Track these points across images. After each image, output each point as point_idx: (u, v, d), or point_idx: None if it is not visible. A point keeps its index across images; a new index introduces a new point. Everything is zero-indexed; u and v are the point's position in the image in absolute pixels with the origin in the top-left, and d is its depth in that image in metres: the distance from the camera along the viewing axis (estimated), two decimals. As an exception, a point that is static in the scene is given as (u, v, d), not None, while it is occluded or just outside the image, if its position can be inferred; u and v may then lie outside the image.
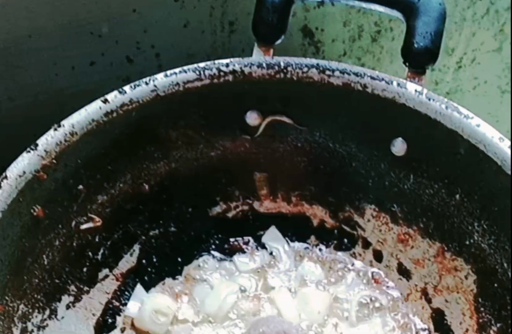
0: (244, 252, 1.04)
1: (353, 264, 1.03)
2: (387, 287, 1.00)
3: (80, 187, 0.87)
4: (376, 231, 1.01)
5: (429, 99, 0.82)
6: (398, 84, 0.83)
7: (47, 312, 0.89)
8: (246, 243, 1.04)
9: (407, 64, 0.85)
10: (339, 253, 1.03)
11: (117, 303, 0.98)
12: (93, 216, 0.92)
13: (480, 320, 0.92)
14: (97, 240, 0.94)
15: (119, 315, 0.98)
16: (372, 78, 0.84)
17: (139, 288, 1.00)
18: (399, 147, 0.89)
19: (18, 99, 1.01)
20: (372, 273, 1.02)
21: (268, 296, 0.99)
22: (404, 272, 1.00)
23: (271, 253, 1.04)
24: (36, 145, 0.80)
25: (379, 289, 1.00)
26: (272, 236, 1.04)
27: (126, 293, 0.99)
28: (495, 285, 0.88)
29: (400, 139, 0.88)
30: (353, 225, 1.02)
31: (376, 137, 0.90)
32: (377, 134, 0.90)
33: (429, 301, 0.98)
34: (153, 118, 0.88)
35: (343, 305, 0.98)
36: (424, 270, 0.98)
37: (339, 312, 0.98)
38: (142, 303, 0.98)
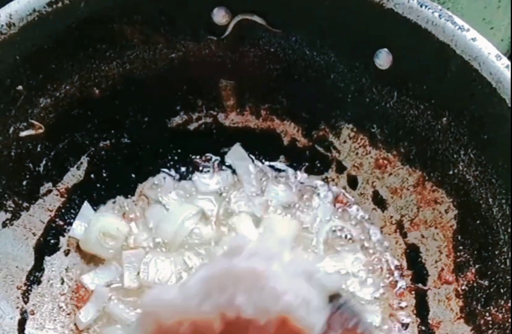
0: (205, 171, 1.00)
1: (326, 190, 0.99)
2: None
3: (19, 87, 0.83)
4: (352, 154, 0.97)
5: (421, 6, 0.75)
6: (388, -14, 0.77)
7: (-19, 229, 0.87)
8: (208, 161, 1.01)
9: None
10: (311, 177, 1.00)
11: (61, 222, 0.95)
12: (34, 122, 0.87)
13: (458, 260, 0.89)
14: (38, 149, 0.90)
15: (63, 235, 0.95)
16: (358, -24, 0.77)
17: (86, 206, 0.96)
18: (383, 59, 0.83)
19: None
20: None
21: (229, 222, 0.96)
22: (379, 202, 0.97)
23: (234, 172, 1.00)
24: (-33, 36, 0.75)
25: (350, 220, 0.97)
26: (237, 154, 1.00)
27: (72, 211, 0.96)
28: (477, 222, 0.84)
29: (385, 50, 0.82)
30: (327, 146, 0.98)
31: (359, 46, 0.84)
32: (360, 42, 0.84)
33: (404, 235, 0.96)
34: (105, 11, 0.82)
35: (311, 235, 0.95)
36: (401, 201, 0.95)
37: (306, 241, 0.95)
38: (89, 224, 0.95)
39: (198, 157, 1.01)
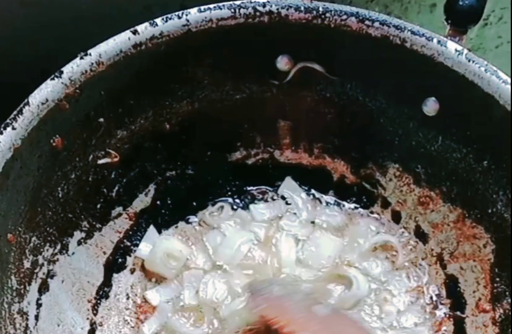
0: (260, 201, 1.07)
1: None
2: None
3: (101, 120, 0.90)
4: (397, 191, 1.03)
5: (469, 60, 0.82)
6: (439, 42, 0.83)
7: (59, 246, 0.93)
8: (263, 193, 1.07)
9: (449, 21, 0.86)
10: (358, 210, 1.06)
11: (128, 243, 1.02)
12: (111, 151, 0.94)
13: (495, 290, 0.94)
14: (113, 176, 0.97)
15: (130, 255, 1.02)
16: (413, 32, 0.84)
17: (152, 229, 1.04)
18: (431, 106, 0.90)
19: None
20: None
21: (273, 241, 1.03)
22: (421, 235, 1.03)
23: (287, 203, 1.06)
24: (61, 72, 0.81)
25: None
26: (289, 186, 1.07)
27: (138, 233, 1.03)
28: (513, 256, 0.90)
29: (433, 98, 0.89)
30: (374, 183, 1.04)
31: (409, 94, 0.91)
32: (410, 91, 0.91)
33: (444, 267, 1.01)
34: (181, 54, 0.89)
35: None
36: (442, 235, 1.00)
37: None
38: (154, 245, 1.02)
39: (254, 188, 1.07)
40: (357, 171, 1.05)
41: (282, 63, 0.94)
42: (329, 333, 0.80)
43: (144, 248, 1.02)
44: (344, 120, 1.00)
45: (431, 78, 0.87)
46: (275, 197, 1.07)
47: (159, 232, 1.04)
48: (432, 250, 1.02)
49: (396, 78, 0.90)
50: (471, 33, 1.12)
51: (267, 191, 1.07)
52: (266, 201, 1.07)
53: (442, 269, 1.01)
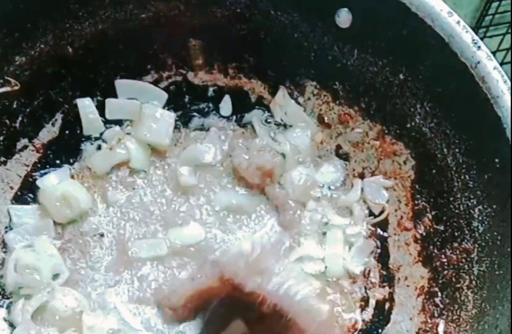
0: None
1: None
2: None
3: None
4: (316, 111, 1.01)
5: None
6: None
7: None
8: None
9: None
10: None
11: (38, 177, 0.98)
12: (9, 79, 0.90)
13: (416, 208, 0.95)
14: (14, 106, 0.94)
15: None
16: None
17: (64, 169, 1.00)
18: (344, 18, 0.87)
19: None
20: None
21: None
22: (341, 155, 1.02)
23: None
24: None
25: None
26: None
27: (48, 167, 0.99)
28: (433, 171, 0.90)
29: (345, 9, 0.86)
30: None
31: (321, 6, 0.88)
32: (321, 2, 0.88)
33: None
34: None
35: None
36: (363, 154, 1.00)
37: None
38: (55, 185, 0.98)
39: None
40: (275, 91, 1.02)
41: (187, -23, 0.90)
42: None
43: (48, 181, 0.98)
44: (258, 36, 0.96)
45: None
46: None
47: (69, 163, 1.00)
48: (354, 170, 1.01)
49: (306, -11, 0.87)
50: None
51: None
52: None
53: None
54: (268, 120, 1.03)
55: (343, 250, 0.97)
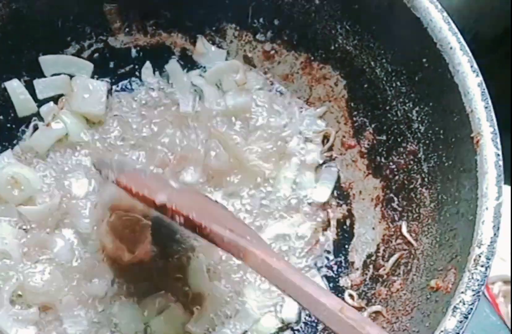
0: None
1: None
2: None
3: None
4: (241, 52, 1.04)
5: None
6: None
7: None
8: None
9: None
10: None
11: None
12: None
13: (355, 124, 0.99)
14: None
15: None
16: None
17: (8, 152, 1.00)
18: None
19: None
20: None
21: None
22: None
23: None
24: None
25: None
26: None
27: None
28: (365, 85, 0.95)
29: None
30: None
31: None
32: None
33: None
34: None
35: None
36: (295, 85, 1.04)
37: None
38: (1, 169, 0.98)
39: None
40: (196, 41, 1.04)
41: None
42: (185, 199, 0.82)
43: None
44: (169, -13, 0.98)
45: None
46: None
47: (11, 146, 1.01)
48: (289, 103, 1.04)
49: None
50: None
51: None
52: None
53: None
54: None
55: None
